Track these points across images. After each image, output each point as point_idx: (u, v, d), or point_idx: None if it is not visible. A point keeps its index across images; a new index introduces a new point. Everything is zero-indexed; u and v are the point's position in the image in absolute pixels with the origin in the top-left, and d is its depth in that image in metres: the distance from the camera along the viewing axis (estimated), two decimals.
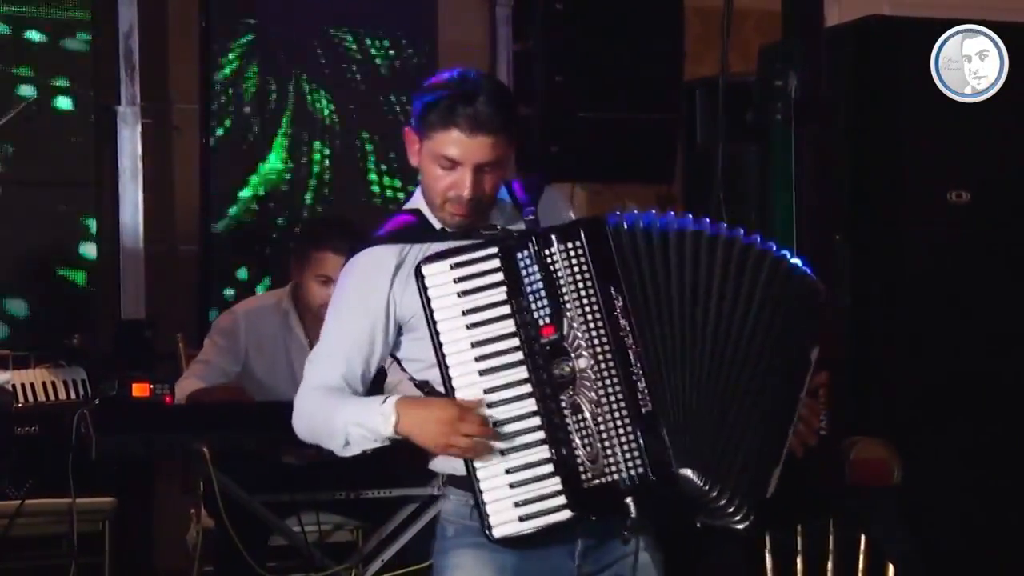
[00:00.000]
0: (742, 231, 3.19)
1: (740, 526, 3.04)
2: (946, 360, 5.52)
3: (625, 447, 2.97)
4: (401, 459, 4.65)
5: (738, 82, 5.89)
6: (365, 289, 3.16)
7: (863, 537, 4.36)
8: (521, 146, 6.13)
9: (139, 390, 4.48)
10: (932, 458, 5.34)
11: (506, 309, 3.01)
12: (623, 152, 6.28)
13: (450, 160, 3.08)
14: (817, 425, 3.17)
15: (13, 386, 5.00)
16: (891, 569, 4.30)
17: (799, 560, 4.29)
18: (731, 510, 3.03)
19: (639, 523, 3.03)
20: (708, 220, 3.17)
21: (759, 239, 3.20)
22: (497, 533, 2.99)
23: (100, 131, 6.09)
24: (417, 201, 3.23)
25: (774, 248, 3.19)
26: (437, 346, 3.01)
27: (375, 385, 3.27)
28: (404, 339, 3.17)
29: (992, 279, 5.61)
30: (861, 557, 4.28)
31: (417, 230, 3.17)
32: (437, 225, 3.17)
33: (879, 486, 5.07)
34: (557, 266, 3.00)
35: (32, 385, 5.07)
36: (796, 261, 3.20)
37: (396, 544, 4.70)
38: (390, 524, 4.75)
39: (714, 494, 3.02)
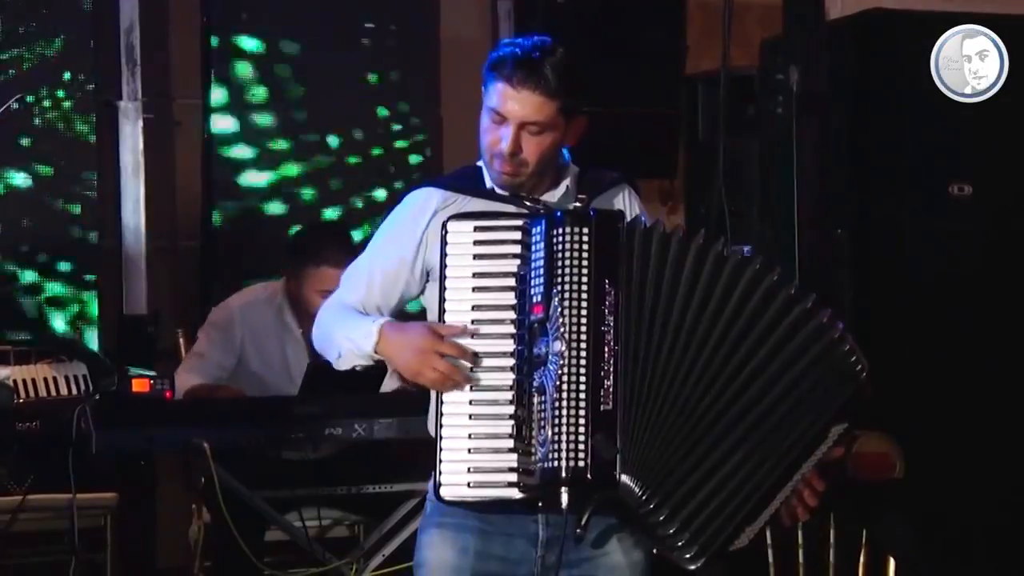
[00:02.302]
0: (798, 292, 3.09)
1: (689, 565, 2.98)
2: (948, 353, 5.52)
3: (572, 439, 2.94)
4: (402, 454, 4.68)
5: (740, 76, 5.90)
6: (404, 223, 3.23)
7: (864, 531, 4.37)
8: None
9: (139, 385, 4.48)
10: (934, 452, 5.33)
11: (512, 281, 3.02)
12: (625, 146, 6.25)
13: (497, 113, 3.12)
14: (813, 505, 3.10)
15: (14, 382, 5.00)
16: (892, 562, 4.30)
17: (800, 553, 4.29)
18: (679, 542, 2.98)
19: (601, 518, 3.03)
20: (747, 249, 3.13)
21: (815, 298, 3.10)
22: (444, 493, 3.01)
23: (102, 126, 6.10)
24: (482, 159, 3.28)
25: (828, 314, 3.10)
26: (441, 300, 3.05)
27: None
28: (428, 286, 3.21)
29: (994, 272, 5.60)
30: (862, 551, 4.28)
31: (469, 183, 3.23)
32: (488, 185, 3.21)
33: (880, 480, 5.06)
34: (561, 248, 2.98)
35: (33, 381, 5.07)
36: (846, 334, 3.10)
37: (397, 539, 4.70)
38: (391, 519, 4.76)
39: (656, 514, 2.97)
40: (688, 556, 2.99)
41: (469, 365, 3.01)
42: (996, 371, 5.52)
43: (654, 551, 3.10)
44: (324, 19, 6.54)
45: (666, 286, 3.02)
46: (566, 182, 3.23)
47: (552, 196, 3.21)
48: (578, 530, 2.98)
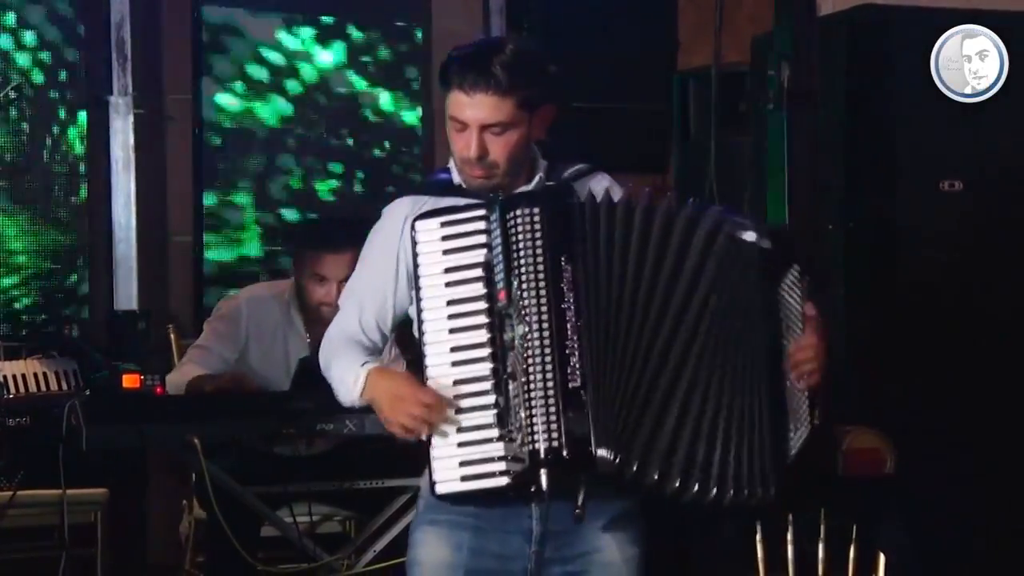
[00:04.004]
0: (710, 207, 3.13)
1: (750, 500, 3.03)
2: (939, 350, 5.52)
3: (544, 420, 2.96)
4: (393, 450, 4.67)
5: (731, 72, 5.91)
6: (382, 236, 3.26)
7: (854, 527, 4.36)
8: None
9: (129, 381, 4.48)
10: (925, 448, 5.33)
11: (480, 271, 3.04)
12: (616, 142, 6.27)
13: (457, 120, 3.13)
14: (811, 357, 3.10)
15: (4, 377, 4.99)
16: (882, 559, 4.30)
17: (790, 549, 4.29)
18: (693, 487, 3.00)
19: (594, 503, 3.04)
20: (693, 201, 3.14)
21: (716, 211, 3.13)
22: (439, 489, 3.03)
23: (92, 121, 6.09)
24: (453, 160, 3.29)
25: (719, 217, 3.12)
26: (417, 300, 3.07)
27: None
28: (414, 292, 3.21)
29: (986, 267, 5.61)
30: (852, 547, 4.28)
31: (437, 185, 3.25)
32: (456, 181, 3.22)
33: (872, 476, 5.07)
34: (515, 231, 3.00)
35: (23, 376, 5.06)
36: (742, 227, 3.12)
37: (388, 535, 4.69)
38: (382, 515, 4.75)
39: (646, 475, 2.99)
40: (729, 492, 3.03)
41: (447, 411, 3.02)
42: (987, 367, 5.53)
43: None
44: (315, 14, 6.54)
45: (619, 254, 3.04)
46: (539, 175, 3.23)
47: (524, 189, 3.21)
48: (576, 510, 3.00)
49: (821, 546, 4.24)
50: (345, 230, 4.77)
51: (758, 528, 4.21)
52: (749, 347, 3.07)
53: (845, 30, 5.66)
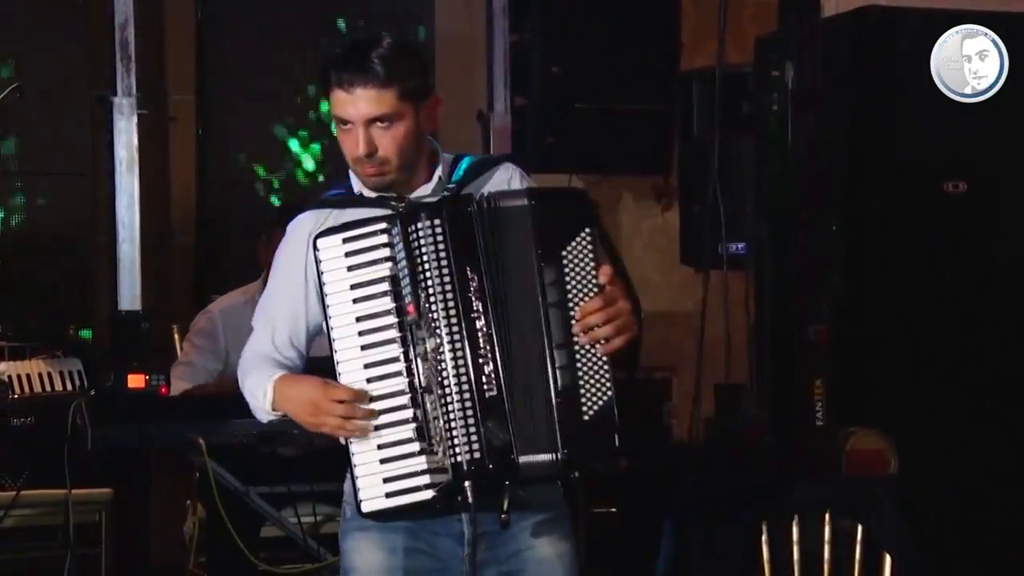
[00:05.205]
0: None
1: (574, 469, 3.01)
2: (942, 350, 5.53)
3: (463, 431, 2.95)
4: None
5: (735, 73, 5.90)
6: (287, 256, 3.23)
7: (859, 527, 4.37)
8: (518, 136, 6.16)
9: (134, 381, 4.48)
10: (928, 448, 5.34)
11: (387, 286, 3.02)
12: (619, 143, 6.27)
13: (341, 120, 3.11)
14: (599, 323, 3.01)
15: (9, 377, 5.00)
16: (887, 559, 4.30)
17: (795, 550, 4.29)
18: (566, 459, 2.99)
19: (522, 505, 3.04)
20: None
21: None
22: (365, 508, 3.03)
23: (96, 121, 6.09)
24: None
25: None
26: (326, 319, 3.05)
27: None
28: (322, 310, 3.17)
29: (989, 268, 5.61)
30: (858, 547, 4.28)
31: (339, 195, 3.23)
32: (357, 190, 3.20)
33: (875, 476, 5.07)
34: (419, 244, 2.99)
35: (28, 376, 5.07)
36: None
37: None
38: None
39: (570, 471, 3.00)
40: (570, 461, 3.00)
41: (366, 408, 3.01)
42: (990, 367, 5.54)
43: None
44: (316, 14, 6.54)
45: (507, 252, 3.02)
46: (438, 172, 3.20)
47: (426, 189, 3.18)
48: (502, 515, 3.00)
49: (826, 547, 4.24)
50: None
51: (763, 529, 4.21)
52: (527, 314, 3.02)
53: (849, 31, 5.67)
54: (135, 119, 5.98)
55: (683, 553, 5.02)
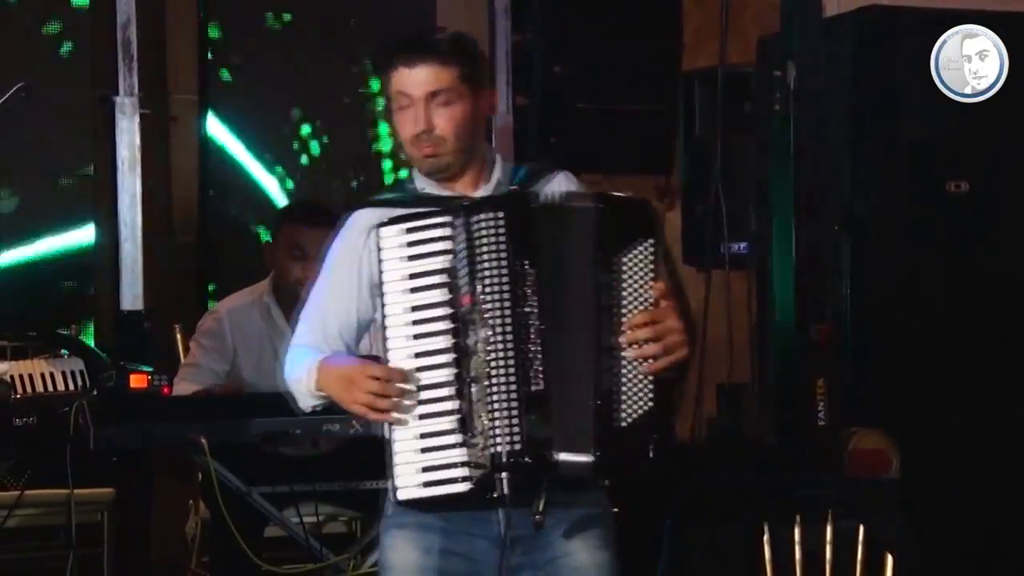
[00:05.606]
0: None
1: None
2: (944, 350, 5.53)
3: (505, 423, 2.96)
4: None
5: (737, 73, 5.90)
6: (343, 247, 3.25)
7: (861, 528, 4.37)
8: (520, 135, 6.16)
9: (137, 381, 4.48)
10: (930, 448, 5.34)
11: (444, 277, 3.04)
12: (621, 143, 6.27)
13: (402, 95, 3.15)
14: (647, 338, 3.02)
15: (11, 377, 5.00)
16: (889, 560, 4.31)
17: (797, 551, 4.29)
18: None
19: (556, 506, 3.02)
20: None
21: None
22: (401, 496, 3.04)
23: (98, 121, 6.09)
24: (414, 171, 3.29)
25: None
26: (382, 306, 3.07)
27: None
28: (378, 300, 3.19)
29: (991, 268, 5.61)
30: (860, 548, 4.28)
31: (398, 195, 3.27)
32: (419, 186, 3.23)
33: (877, 477, 5.07)
34: (479, 235, 3.01)
35: (30, 376, 5.07)
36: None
37: None
38: None
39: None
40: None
41: (402, 387, 3.02)
42: (993, 368, 5.54)
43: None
44: (317, 15, 6.55)
45: (567, 251, 3.04)
46: (497, 176, 3.24)
47: (485, 191, 3.22)
48: (536, 516, 2.99)
49: (828, 548, 4.24)
50: (322, 209, 4.93)
51: (765, 530, 4.22)
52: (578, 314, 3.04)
53: (851, 31, 5.66)
54: (137, 119, 5.98)
55: (684, 553, 5.01)
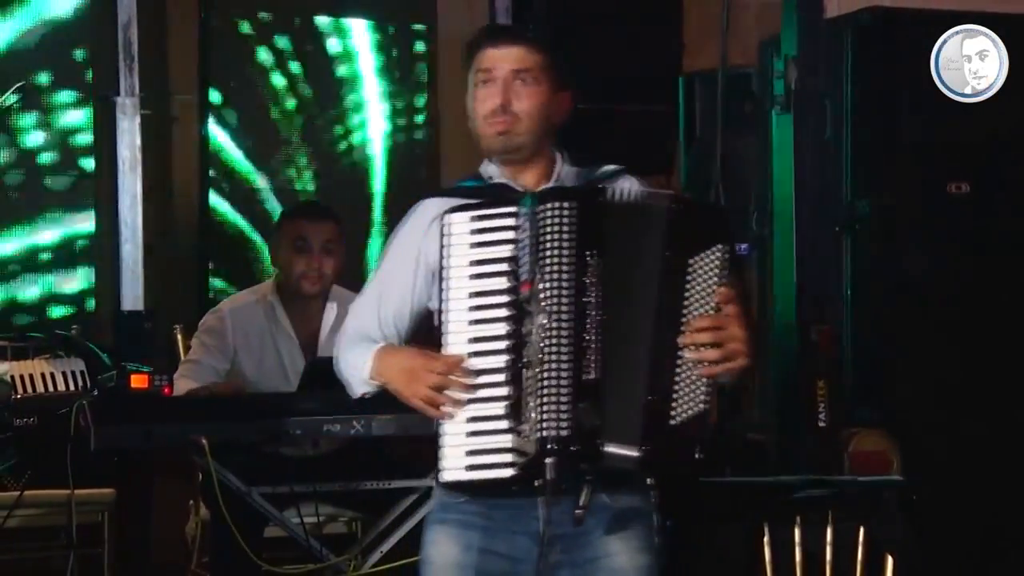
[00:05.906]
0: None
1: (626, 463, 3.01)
2: (945, 351, 5.53)
3: (555, 408, 2.96)
4: (400, 450, 4.67)
5: (737, 73, 5.90)
6: (404, 233, 3.29)
7: (862, 529, 4.37)
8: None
9: (138, 381, 4.48)
10: (931, 449, 5.34)
11: (506, 266, 3.05)
12: (621, 143, 6.26)
13: (484, 71, 3.20)
14: (709, 342, 3.02)
15: (12, 377, 5.00)
16: (890, 561, 4.31)
17: (798, 552, 4.29)
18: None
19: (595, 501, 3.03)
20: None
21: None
22: (445, 477, 3.04)
23: (99, 122, 6.10)
24: (481, 164, 3.31)
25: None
26: (441, 290, 3.08)
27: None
28: (435, 288, 3.21)
29: (992, 270, 5.61)
30: (860, 549, 4.28)
31: (464, 186, 3.28)
32: (487, 175, 3.26)
33: (878, 477, 5.07)
34: (545, 223, 3.02)
35: (31, 376, 5.08)
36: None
37: (395, 535, 4.69)
38: (389, 516, 4.75)
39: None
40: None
41: (461, 381, 3.03)
42: (993, 369, 5.54)
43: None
44: (323, 14, 6.55)
45: (638, 250, 3.04)
46: (561, 174, 3.26)
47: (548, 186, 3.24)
48: (577, 510, 3.00)
49: (828, 549, 4.24)
50: (324, 208, 5.08)
51: (765, 530, 4.21)
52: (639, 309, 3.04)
53: (851, 32, 5.66)
54: (138, 119, 6.00)
55: (684, 554, 5.01)
